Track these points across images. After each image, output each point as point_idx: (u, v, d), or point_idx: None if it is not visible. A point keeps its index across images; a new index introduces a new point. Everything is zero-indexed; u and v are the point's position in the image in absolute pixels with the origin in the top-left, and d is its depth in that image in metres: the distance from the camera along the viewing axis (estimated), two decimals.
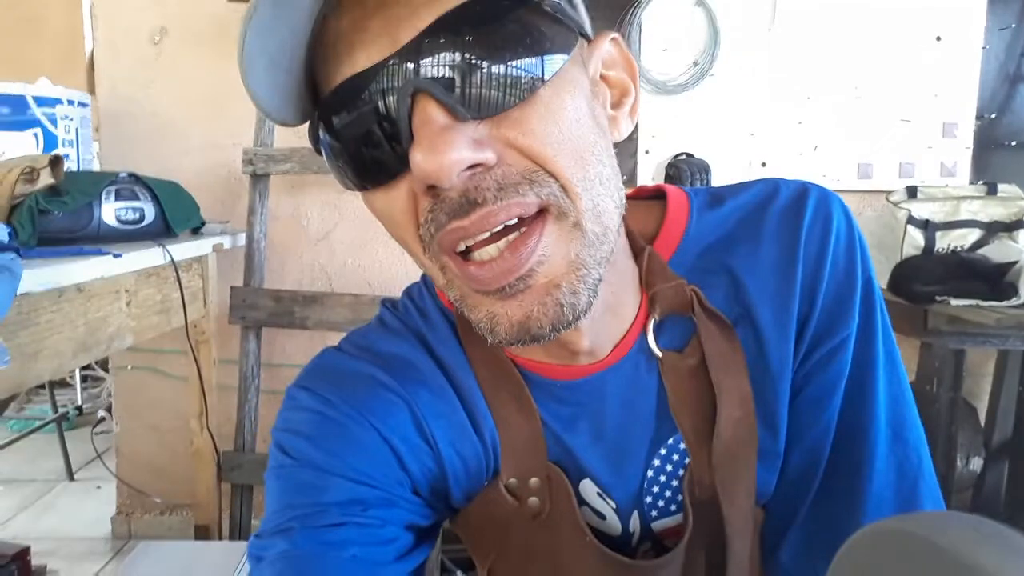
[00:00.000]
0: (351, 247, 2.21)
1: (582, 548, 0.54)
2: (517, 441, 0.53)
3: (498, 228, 0.39)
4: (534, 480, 0.54)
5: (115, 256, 1.35)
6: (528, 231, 0.40)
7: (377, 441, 0.51)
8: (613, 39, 0.48)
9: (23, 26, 3.24)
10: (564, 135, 0.40)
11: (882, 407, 0.52)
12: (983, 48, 2.09)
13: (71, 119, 1.76)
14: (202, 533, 1.93)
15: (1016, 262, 1.66)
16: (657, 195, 0.57)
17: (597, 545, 0.54)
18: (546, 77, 0.39)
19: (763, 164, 2.13)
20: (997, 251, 1.75)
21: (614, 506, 0.56)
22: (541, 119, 0.39)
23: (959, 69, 2.10)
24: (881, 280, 1.86)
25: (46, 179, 1.35)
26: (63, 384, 3.46)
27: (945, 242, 1.83)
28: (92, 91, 2.14)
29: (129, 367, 2.27)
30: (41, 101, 1.68)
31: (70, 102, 1.76)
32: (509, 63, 0.38)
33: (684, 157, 2.10)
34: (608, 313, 0.50)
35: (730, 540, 0.52)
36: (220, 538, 1.95)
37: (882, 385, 0.52)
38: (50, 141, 1.70)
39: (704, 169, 2.06)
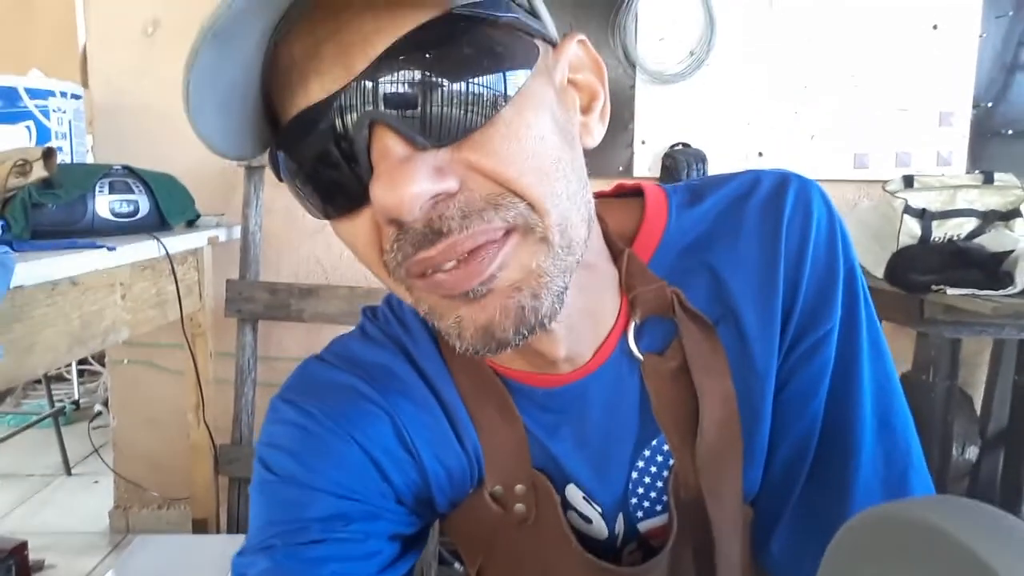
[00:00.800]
0: None
1: (568, 554, 0.54)
2: (501, 449, 0.53)
3: (464, 256, 0.39)
4: (519, 487, 0.54)
5: (109, 249, 1.35)
6: (488, 244, 0.39)
7: (358, 454, 0.51)
8: (580, 41, 0.46)
9: (15, 17, 3.22)
10: (528, 153, 0.39)
11: (867, 396, 0.51)
12: (980, 36, 2.08)
13: (64, 111, 1.75)
14: (200, 527, 1.93)
15: (1012, 251, 1.66)
16: (636, 193, 0.56)
17: (582, 552, 0.53)
18: (508, 96, 0.38)
19: (760, 154, 2.12)
20: (993, 240, 1.75)
21: (600, 510, 0.56)
22: (504, 140, 0.38)
23: (956, 58, 2.10)
24: (877, 270, 1.87)
25: (39, 172, 1.34)
26: (60, 379, 3.45)
27: (941, 231, 1.82)
28: (85, 84, 2.13)
29: (125, 361, 2.26)
30: (33, 93, 1.67)
31: (63, 94, 1.74)
32: (467, 86, 0.37)
33: (680, 147, 2.10)
34: (587, 319, 0.50)
35: (718, 540, 0.52)
36: (218, 531, 1.95)
37: (867, 374, 0.52)
38: (43, 134, 1.69)
39: (700, 159, 2.05)
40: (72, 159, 1.79)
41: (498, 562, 0.58)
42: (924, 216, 1.82)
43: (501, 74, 0.38)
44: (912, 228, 1.83)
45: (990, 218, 1.81)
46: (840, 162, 2.14)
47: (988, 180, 1.87)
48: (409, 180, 0.36)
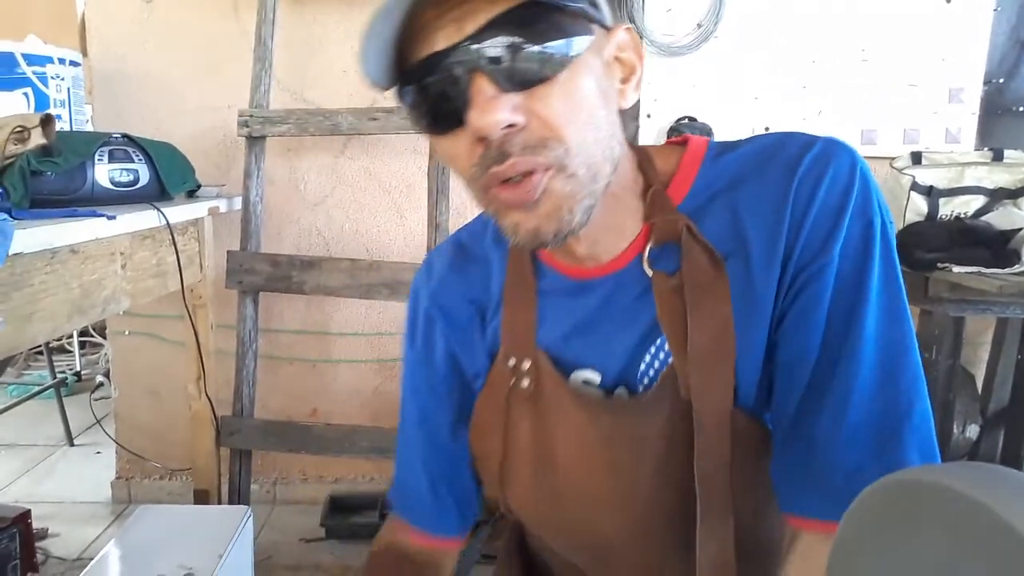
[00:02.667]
0: (348, 211, 2.19)
1: (568, 418, 0.66)
2: (516, 327, 0.68)
3: (520, 178, 0.54)
4: (526, 363, 0.68)
5: (109, 218, 1.33)
6: (536, 172, 0.54)
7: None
8: (627, 28, 0.60)
9: None
10: (572, 108, 0.54)
11: (870, 343, 0.56)
12: (995, 11, 2.05)
13: (62, 79, 1.73)
14: (201, 497, 1.94)
15: (1020, 229, 1.65)
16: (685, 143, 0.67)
17: (584, 395, 0.65)
18: (565, 64, 0.53)
19: (766, 128, 2.10)
20: (1001, 218, 1.74)
21: (601, 393, 0.66)
22: (558, 95, 0.53)
23: (968, 32, 2.06)
24: None
25: (37, 139, 1.33)
26: (62, 350, 3.46)
27: (948, 208, 1.81)
28: (84, 52, 2.10)
29: (127, 332, 2.26)
30: (31, 59, 1.65)
31: (61, 61, 1.72)
32: (538, 52, 0.52)
33: (687, 121, 2.07)
34: (608, 233, 0.63)
35: (697, 432, 0.60)
36: (219, 502, 1.96)
37: (872, 322, 0.56)
38: (41, 101, 1.67)
39: (707, 133, 2.03)
40: (71, 127, 1.77)
41: (514, 448, 0.69)
42: (931, 193, 1.81)
43: (563, 47, 0.53)
44: (919, 205, 1.81)
45: (998, 196, 1.79)
46: (848, 138, 2.09)
47: (998, 157, 1.85)
48: (494, 109, 0.51)
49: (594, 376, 0.67)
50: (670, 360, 0.62)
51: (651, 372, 0.64)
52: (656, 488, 0.64)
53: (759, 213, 0.59)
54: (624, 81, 0.60)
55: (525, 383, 0.67)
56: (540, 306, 0.68)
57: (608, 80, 0.58)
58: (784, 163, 0.59)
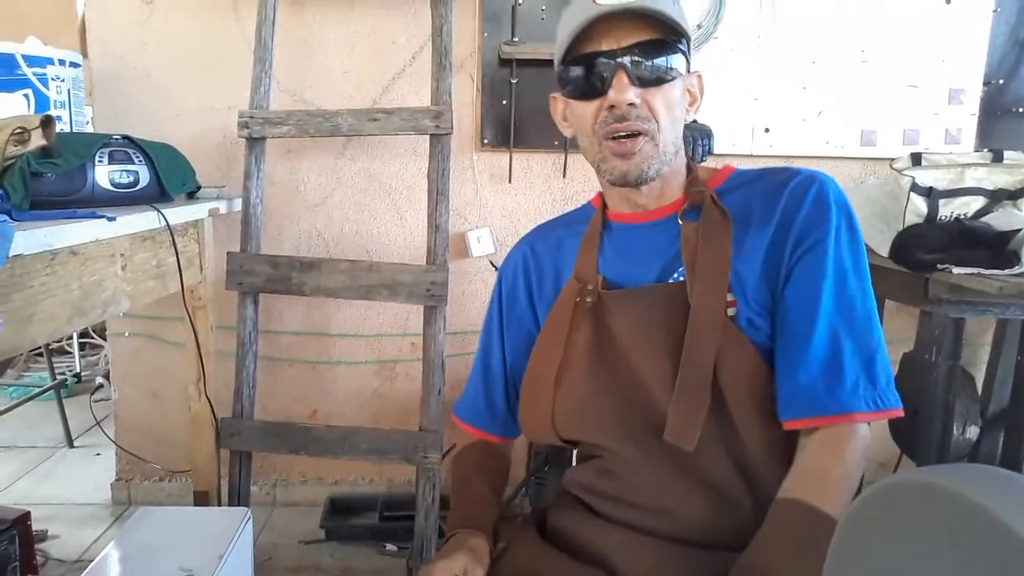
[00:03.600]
0: (348, 212, 2.19)
1: (626, 305, 0.92)
2: (585, 260, 0.98)
3: (629, 133, 0.87)
4: (589, 285, 0.94)
5: (109, 219, 1.33)
6: (637, 137, 0.87)
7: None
8: (698, 75, 0.95)
9: None
10: (668, 108, 0.88)
11: (828, 291, 0.85)
12: (994, 12, 2.05)
13: (63, 80, 1.73)
14: (201, 499, 1.94)
15: (1020, 230, 1.64)
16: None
17: (630, 290, 0.94)
18: (668, 79, 0.87)
19: (766, 130, 2.10)
20: (1001, 219, 1.73)
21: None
22: (664, 97, 0.87)
23: (968, 33, 2.06)
24: (882, 248, 1.85)
25: (37, 140, 1.33)
26: (62, 352, 3.46)
27: (948, 210, 1.80)
28: (85, 53, 2.10)
29: (127, 334, 2.26)
30: (31, 61, 1.65)
31: (61, 62, 1.72)
32: (658, 67, 0.86)
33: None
34: (664, 191, 0.94)
35: (689, 330, 0.85)
36: (219, 504, 1.96)
37: (852, 278, 0.86)
38: (41, 102, 1.67)
39: (707, 134, 2.03)
40: (71, 129, 1.77)
41: (574, 348, 0.94)
42: (931, 194, 1.80)
43: (670, 70, 0.87)
44: (919, 206, 1.80)
45: (998, 197, 1.78)
46: (847, 139, 2.12)
47: (997, 158, 1.85)
48: (627, 92, 0.85)
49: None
50: (683, 278, 0.90)
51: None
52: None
53: (758, 205, 0.90)
54: (690, 105, 0.94)
55: (588, 299, 0.93)
56: (603, 246, 0.97)
57: (684, 100, 0.91)
58: (781, 183, 0.90)
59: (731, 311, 0.86)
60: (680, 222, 0.91)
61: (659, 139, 0.86)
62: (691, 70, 0.92)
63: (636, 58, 0.84)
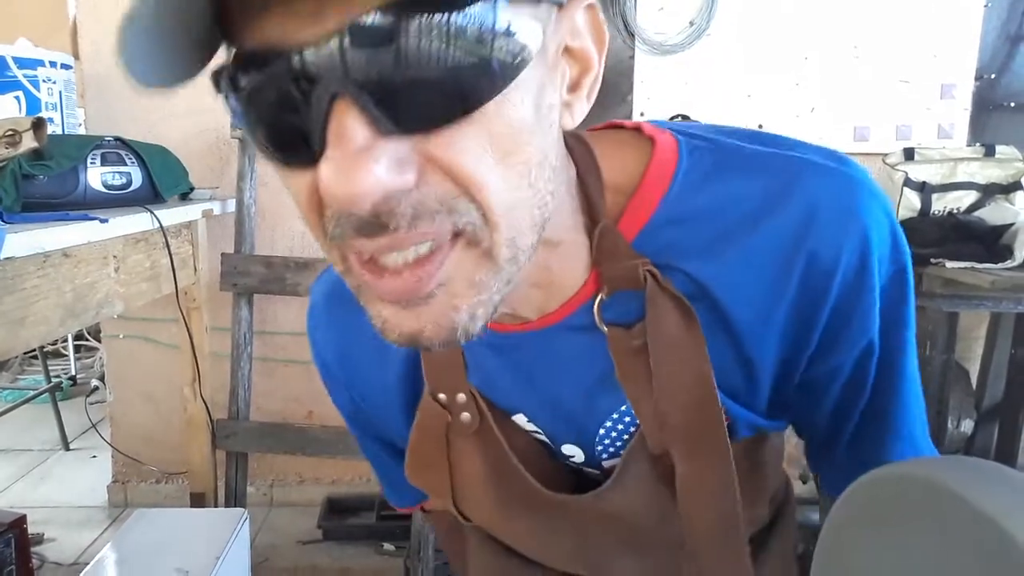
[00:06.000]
0: None
1: (531, 450, 0.58)
2: (438, 361, 0.56)
3: (405, 264, 0.36)
4: (460, 396, 0.56)
5: (102, 221, 1.33)
6: (436, 252, 0.36)
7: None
8: (590, 6, 0.40)
9: None
10: (499, 154, 0.35)
11: (910, 378, 0.53)
12: (985, 6, 2.05)
13: (54, 82, 1.72)
14: (198, 500, 1.94)
15: (1012, 224, 1.65)
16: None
17: (520, 469, 0.56)
18: (496, 91, 0.33)
19: (759, 126, 2.10)
20: (993, 213, 1.74)
21: (550, 442, 0.59)
22: (477, 138, 0.34)
23: (960, 28, 2.07)
24: None
25: (28, 142, 1.32)
26: (57, 354, 3.45)
27: (941, 204, 1.81)
28: (76, 56, 2.09)
29: (121, 336, 2.25)
30: (22, 63, 1.64)
31: (52, 64, 1.71)
32: (455, 71, 0.31)
33: (679, 119, 2.07)
34: (535, 289, 0.48)
35: (681, 500, 0.52)
36: (216, 505, 1.96)
37: (911, 361, 0.53)
38: (32, 104, 1.66)
39: None
40: (63, 131, 1.76)
41: (463, 484, 0.60)
42: (924, 189, 1.81)
43: (496, 62, 0.32)
44: (912, 201, 1.81)
45: (991, 191, 1.79)
46: (840, 134, 2.12)
47: (989, 153, 1.85)
48: (366, 173, 0.31)
49: (537, 429, 0.58)
50: (634, 428, 0.53)
51: (613, 443, 0.56)
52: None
53: (742, 293, 0.48)
54: (573, 88, 0.41)
55: (465, 417, 0.56)
56: (468, 353, 0.56)
57: (551, 88, 0.38)
58: (777, 243, 0.46)
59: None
60: (603, 329, 0.49)
61: (488, 239, 0.36)
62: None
63: (379, 60, 0.31)
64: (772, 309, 0.48)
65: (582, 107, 0.41)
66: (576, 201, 0.47)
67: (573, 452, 0.59)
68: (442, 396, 0.56)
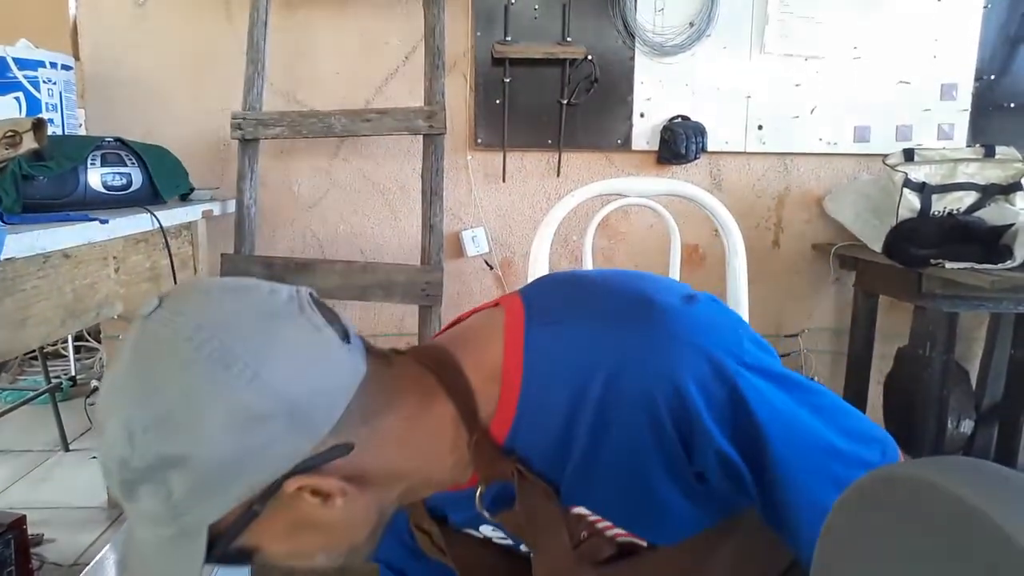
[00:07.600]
0: (342, 213, 2.19)
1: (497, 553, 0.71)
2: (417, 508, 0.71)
3: None
4: (426, 524, 0.71)
5: (102, 222, 1.33)
6: None
7: None
8: (299, 487, 0.52)
9: None
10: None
11: (790, 454, 0.55)
12: (985, 7, 2.06)
13: (54, 83, 1.72)
14: None
15: (1012, 224, 1.65)
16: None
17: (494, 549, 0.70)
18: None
19: (759, 127, 2.10)
20: (993, 214, 1.74)
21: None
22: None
23: (959, 30, 2.07)
24: (876, 243, 1.86)
25: (29, 143, 1.32)
26: (57, 355, 3.45)
27: (941, 205, 1.81)
28: (76, 56, 2.10)
29: (120, 336, 2.25)
30: (22, 63, 1.64)
31: (53, 65, 1.71)
32: None
33: (679, 120, 2.08)
34: (425, 488, 0.62)
35: None
36: None
37: (775, 438, 0.54)
38: (33, 105, 1.66)
39: (700, 132, 2.03)
40: (63, 131, 1.76)
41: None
42: (924, 190, 1.81)
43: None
44: (912, 202, 1.81)
45: (990, 192, 1.79)
46: (841, 135, 2.12)
47: (989, 153, 1.86)
48: None
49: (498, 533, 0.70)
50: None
51: None
52: None
53: (599, 469, 0.57)
54: (328, 496, 0.52)
55: (435, 533, 0.70)
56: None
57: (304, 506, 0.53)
58: (617, 417, 0.54)
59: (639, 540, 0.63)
60: (486, 515, 0.62)
61: None
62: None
63: None
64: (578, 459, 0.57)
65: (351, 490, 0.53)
66: (449, 437, 0.58)
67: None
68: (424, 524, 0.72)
